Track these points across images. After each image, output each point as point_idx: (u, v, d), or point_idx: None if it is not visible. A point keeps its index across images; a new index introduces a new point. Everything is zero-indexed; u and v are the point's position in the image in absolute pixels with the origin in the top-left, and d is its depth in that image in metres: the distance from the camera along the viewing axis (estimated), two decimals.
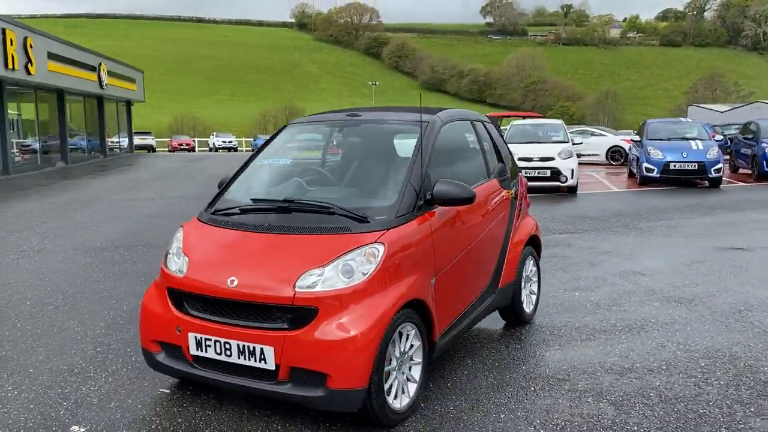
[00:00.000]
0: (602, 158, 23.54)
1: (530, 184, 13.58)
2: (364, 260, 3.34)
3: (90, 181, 18.68)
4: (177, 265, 3.66)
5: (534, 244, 5.29)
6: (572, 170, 13.59)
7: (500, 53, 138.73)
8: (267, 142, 4.60)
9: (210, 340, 3.41)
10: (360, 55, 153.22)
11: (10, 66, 19.95)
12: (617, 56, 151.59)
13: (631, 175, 17.36)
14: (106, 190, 15.84)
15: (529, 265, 5.18)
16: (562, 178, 13.60)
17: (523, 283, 5.06)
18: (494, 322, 5.12)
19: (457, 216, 4.04)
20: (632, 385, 3.95)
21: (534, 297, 5.29)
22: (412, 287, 3.50)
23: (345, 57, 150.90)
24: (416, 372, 3.62)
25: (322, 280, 3.26)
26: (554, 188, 14.03)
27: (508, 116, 20.54)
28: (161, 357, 3.66)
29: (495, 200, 4.59)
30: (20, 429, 3.45)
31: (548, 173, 13.63)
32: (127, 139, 37.32)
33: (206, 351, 3.43)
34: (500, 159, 4.94)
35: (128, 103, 37.05)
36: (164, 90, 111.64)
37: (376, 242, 3.39)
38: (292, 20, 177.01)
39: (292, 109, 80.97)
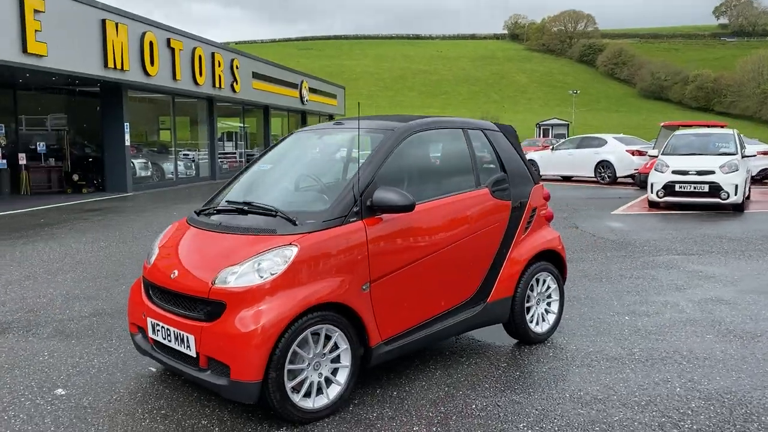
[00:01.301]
0: None
1: (684, 200, 12.50)
2: (279, 260, 3.51)
3: None
4: (151, 256, 4.14)
5: (553, 259, 4.95)
6: (736, 186, 11.98)
7: (734, 57, 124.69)
8: (270, 148, 4.94)
9: (159, 325, 3.83)
10: (572, 63, 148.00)
11: (218, 85, 22.87)
12: None
13: None
14: None
15: (545, 282, 4.87)
16: (723, 195, 12.06)
17: (533, 301, 4.80)
18: (505, 338, 4.91)
19: (413, 224, 4.00)
20: (585, 417, 3.59)
21: (553, 316, 4.96)
22: (331, 291, 3.58)
23: (556, 66, 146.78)
24: (342, 375, 3.68)
25: (236, 276, 3.50)
26: (717, 206, 12.50)
27: (688, 125, 18.55)
28: (138, 338, 4.16)
29: (478, 210, 4.41)
30: (20, 386, 4.15)
31: (706, 188, 12.18)
32: None
33: (157, 335, 3.86)
34: (503, 168, 4.72)
35: (330, 117, 40.13)
36: (378, 105, 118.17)
37: (291, 244, 3.55)
38: (505, 32, 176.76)
39: (494, 120, 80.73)
